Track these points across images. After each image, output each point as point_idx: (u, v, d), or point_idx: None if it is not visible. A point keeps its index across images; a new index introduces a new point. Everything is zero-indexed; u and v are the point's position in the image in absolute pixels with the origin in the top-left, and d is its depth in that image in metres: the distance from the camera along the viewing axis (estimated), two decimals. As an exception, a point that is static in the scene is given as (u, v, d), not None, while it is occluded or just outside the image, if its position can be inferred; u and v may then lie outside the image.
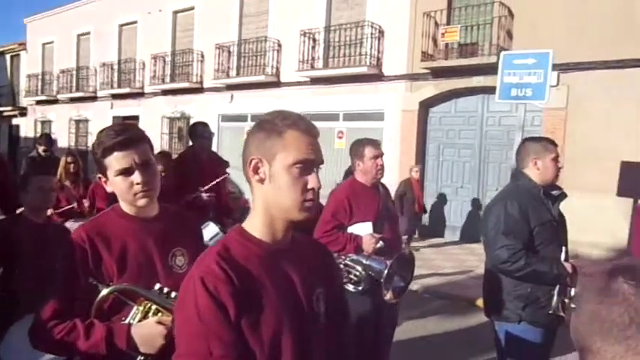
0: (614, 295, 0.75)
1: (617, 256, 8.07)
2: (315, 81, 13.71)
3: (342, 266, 3.24)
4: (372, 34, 12.70)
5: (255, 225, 1.32)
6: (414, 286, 7.33)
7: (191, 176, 4.67)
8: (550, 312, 2.77)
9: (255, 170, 1.29)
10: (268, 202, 1.29)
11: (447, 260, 9.38)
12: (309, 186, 1.24)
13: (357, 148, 3.49)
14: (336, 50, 13.71)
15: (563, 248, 2.84)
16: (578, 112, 9.91)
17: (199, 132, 4.92)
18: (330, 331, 1.35)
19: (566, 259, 2.82)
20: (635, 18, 9.18)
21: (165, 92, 17.94)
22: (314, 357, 1.28)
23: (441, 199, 12.04)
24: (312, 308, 1.31)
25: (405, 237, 10.05)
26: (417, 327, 5.65)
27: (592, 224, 8.86)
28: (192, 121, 9.97)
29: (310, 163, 1.25)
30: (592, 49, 9.59)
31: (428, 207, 11.66)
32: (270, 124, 1.28)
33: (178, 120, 17.73)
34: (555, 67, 8.94)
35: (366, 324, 3.29)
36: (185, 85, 16.98)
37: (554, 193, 2.98)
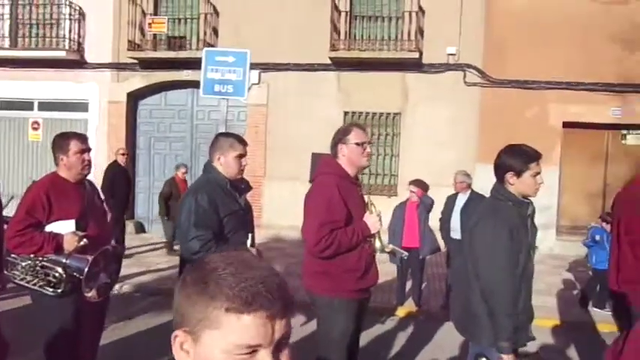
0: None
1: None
2: (1, 63, 11.78)
3: (38, 268, 3.02)
4: (71, 14, 11.54)
5: None
6: (124, 286, 7.02)
7: None
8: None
9: None
10: None
11: (159, 256, 9.24)
12: None
13: (60, 141, 3.22)
14: (27, 29, 12.00)
15: (249, 235, 3.08)
16: (278, 108, 10.94)
17: None
18: None
19: (252, 245, 3.06)
20: (320, 26, 10.56)
21: None
22: None
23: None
24: None
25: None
26: (124, 328, 5.43)
27: (291, 209, 9.90)
28: None
29: None
30: (288, 52, 10.69)
31: (143, 202, 11.38)
32: None
33: None
34: (256, 66, 9.66)
35: (67, 328, 3.09)
36: None
37: (241, 185, 3.21)
